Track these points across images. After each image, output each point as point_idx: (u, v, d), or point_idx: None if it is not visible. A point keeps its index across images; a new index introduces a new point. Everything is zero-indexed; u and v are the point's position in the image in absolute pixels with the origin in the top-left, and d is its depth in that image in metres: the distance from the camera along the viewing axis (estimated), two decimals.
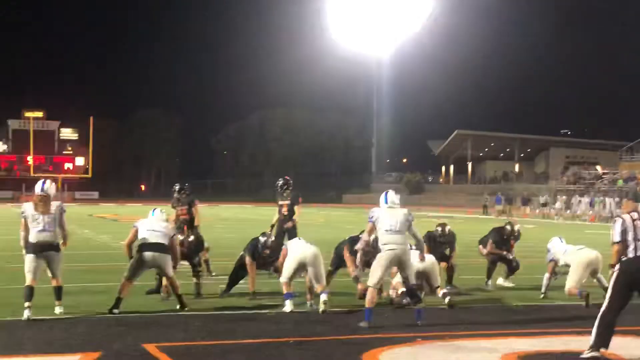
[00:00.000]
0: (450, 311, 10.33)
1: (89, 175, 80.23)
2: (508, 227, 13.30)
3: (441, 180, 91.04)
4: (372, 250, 10.06)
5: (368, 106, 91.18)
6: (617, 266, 7.57)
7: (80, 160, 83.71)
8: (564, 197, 49.81)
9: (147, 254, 9.95)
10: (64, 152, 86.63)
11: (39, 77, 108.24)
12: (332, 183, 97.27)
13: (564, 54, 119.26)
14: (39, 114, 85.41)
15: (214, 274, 13.73)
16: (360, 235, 10.54)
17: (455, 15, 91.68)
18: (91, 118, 74.44)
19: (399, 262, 9.37)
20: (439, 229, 12.70)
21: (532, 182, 72.23)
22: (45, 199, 9.56)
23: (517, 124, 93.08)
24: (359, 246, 10.27)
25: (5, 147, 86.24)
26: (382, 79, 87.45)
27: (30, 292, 9.21)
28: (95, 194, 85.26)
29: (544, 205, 48.25)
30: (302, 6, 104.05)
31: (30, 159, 79.29)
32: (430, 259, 10.90)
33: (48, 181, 9.83)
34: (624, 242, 7.55)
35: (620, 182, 56.40)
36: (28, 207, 9.53)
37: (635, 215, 7.73)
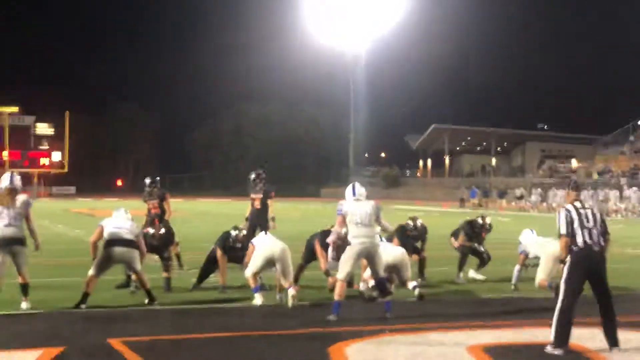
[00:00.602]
0: (419, 303, 10.32)
1: (65, 170, 79.67)
2: (479, 219, 13.33)
3: (418, 174, 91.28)
4: (343, 243, 10.01)
5: (345, 100, 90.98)
6: (568, 258, 7.59)
7: (56, 156, 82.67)
8: (540, 190, 50.06)
9: (115, 249, 9.86)
10: (40, 148, 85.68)
11: (14, 72, 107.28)
12: (309, 177, 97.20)
13: (541, 47, 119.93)
14: (14, 109, 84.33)
15: (185, 267, 13.67)
16: (331, 229, 10.50)
17: (432, 9, 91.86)
18: (67, 113, 73.99)
19: (368, 255, 9.36)
20: (411, 222, 12.69)
21: (508, 176, 72.62)
22: (12, 193, 9.47)
23: (494, 118, 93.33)
24: (331, 239, 10.20)
25: None
26: (359, 73, 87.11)
27: None
28: (72, 189, 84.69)
29: (520, 198, 48.50)
30: (279, 0, 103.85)
31: (5, 154, 78.58)
32: (400, 251, 10.89)
33: (15, 173, 9.73)
34: (571, 233, 7.58)
35: (595, 175, 56.85)
36: None
37: (578, 204, 7.77)
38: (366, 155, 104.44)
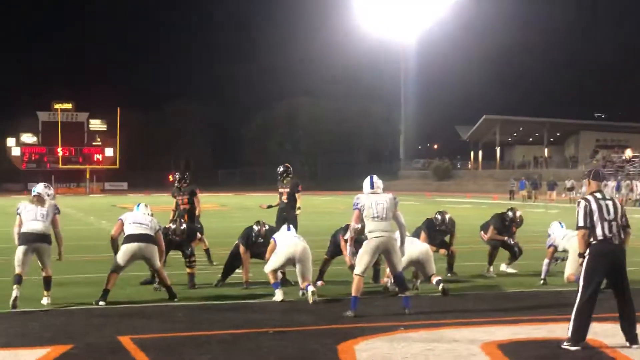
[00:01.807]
0: (442, 299, 10.11)
1: (117, 167, 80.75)
2: (510, 212, 13.04)
3: (470, 165, 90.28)
4: (362, 238, 9.87)
5: (395, 92, 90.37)
6: (587, 251, 7.31)
7: (109, 151, 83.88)
8: None
9: (134, 245, 9.86)
10: (93, 144, 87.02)
11: (68, 69, 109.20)
12: (361, 170, 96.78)
13: (595, 37, 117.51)
14: (68, 106, 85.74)
15: (215, 263, 13.65)
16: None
17: None
18: (118, 109, 74.90)
19: (386, 250, 9.18)
20: (439, 216, 12.46)
21: (561, 167, 71.44)
22: (40, 199, 9.67)
23: (547, 108, 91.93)
24: (348, 235, 10.05)
25: (35, 139, 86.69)
26: (409, 64, 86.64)
27: (19, 278, 9.22)
28: (125, 185, 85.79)
29: (570, 189, 47.56)
30: None
31: (59, 150, 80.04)
32: (424, 246, 10.74)
33: (47, 185, 10.01)
34: (590, 226, 7.30)
35: None
36: (23, 203, 9.68)
37: (599, 195, 7.47)
38: (419, 147, 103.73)
